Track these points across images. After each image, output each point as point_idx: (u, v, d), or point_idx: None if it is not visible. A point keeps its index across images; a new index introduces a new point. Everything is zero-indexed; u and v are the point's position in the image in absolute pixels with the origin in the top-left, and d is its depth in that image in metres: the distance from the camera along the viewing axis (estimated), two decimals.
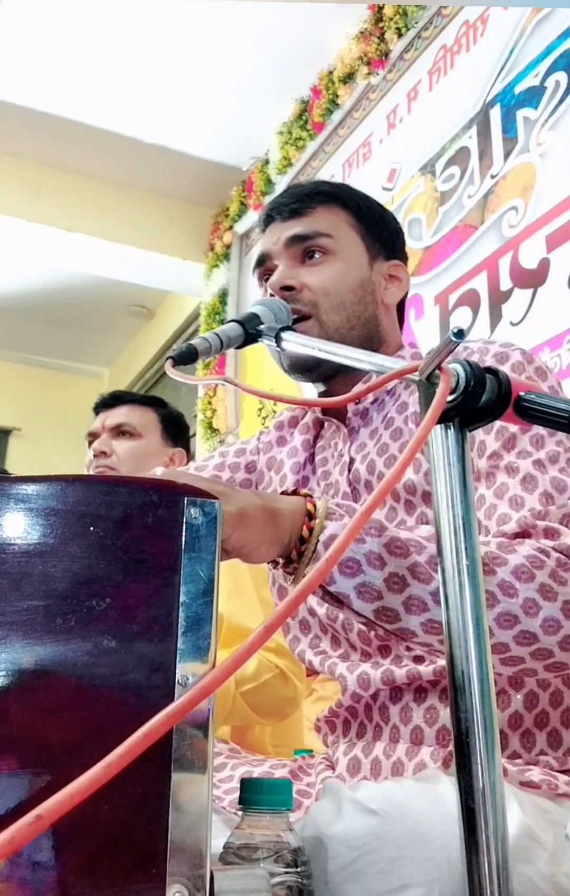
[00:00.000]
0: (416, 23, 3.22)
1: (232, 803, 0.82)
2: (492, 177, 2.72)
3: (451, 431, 0.66)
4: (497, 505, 0.90)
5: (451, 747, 0.78)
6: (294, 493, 0.82)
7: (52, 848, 0.52)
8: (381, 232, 1.16)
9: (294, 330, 1.01)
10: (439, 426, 0.66)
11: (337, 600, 0.78)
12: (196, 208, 4.72)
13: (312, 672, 1.50)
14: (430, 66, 3.17)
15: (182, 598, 0.57)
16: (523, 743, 0.91)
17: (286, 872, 0.62)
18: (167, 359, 0.97)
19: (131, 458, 1.94)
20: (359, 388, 1.08)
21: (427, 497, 0.97)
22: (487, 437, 0.95)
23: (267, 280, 1.13)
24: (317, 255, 1.11)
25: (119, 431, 1.98)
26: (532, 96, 2.61)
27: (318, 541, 0.77)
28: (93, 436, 2.01)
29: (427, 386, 0.67)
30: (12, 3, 3.41)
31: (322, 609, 1.05)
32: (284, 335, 0.98)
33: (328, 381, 1.13)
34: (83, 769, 0.39)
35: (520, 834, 0.75)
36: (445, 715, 0.91)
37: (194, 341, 0.98)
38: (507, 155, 2.67)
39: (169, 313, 5.46)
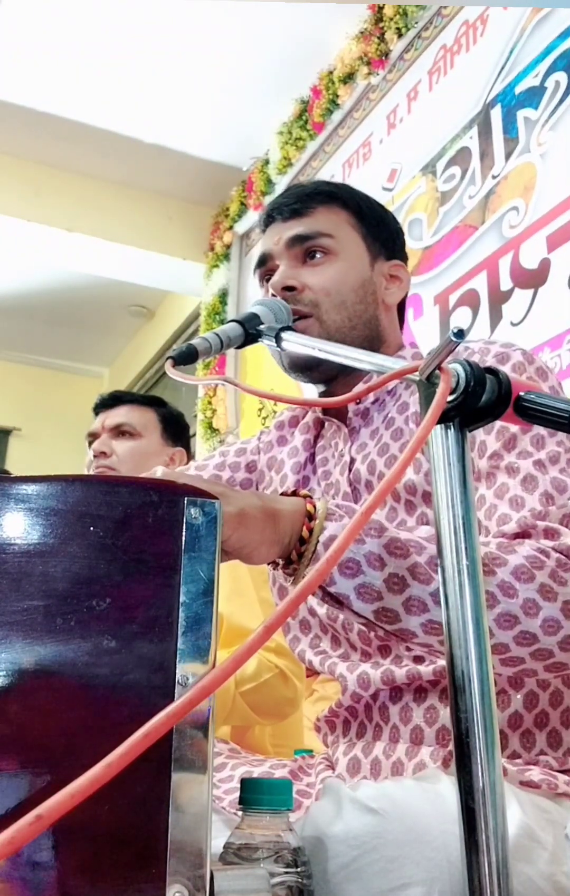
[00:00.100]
0: (416, 23, 3.23)
1: (232, 803, 0.82)
2: (493, 177, 2.72)
3: (451, 431, 0.66)
4: (498, 505, 0.90)
5: (451, 747, 0.78)
6: (294, 493, 0.82)
7: (52, 848, 0.52)
8: (381, 232, 1.16)
9: (294, 330, 1.02)
10: (439, 426, 0.66)
11: (337, 601, 0.78)
12: (196, 208, 4.73)
13: (312, 672, 1.50)
14: (430, 66, 3.17)
15: (182, 598, 0.58)
16: (523, 743, 0.91)
17: (286, 872, 0.62)
18: (167, 359, 0.97)
19: (131, 458, 1.94)
20: (359, 387, 1.08)
21: (427, 497, 0.97)
22: (487, 438, 0.95)
23: (268, 280, 1.13)
24: (318, 256, 1.11)
25: (119, 431, 1.98)
26: (533, 96, 2.61)
27: (318, 541, 0.77)
28: (93, 436, 2.01)
29: (427, 386, 0.67)
30: (12, 3, 3.41)
31: (322, 609, 1.05)
32: (284, 335, 0.98)
33: (329, 381, 1.13)
34: (83, 769, 0.39)
35: (520, 833, 0.75)
36: (445, 715, 0.91)
37: (194, 341, 0.98)
38: (508, 155, 2.67)
39: (169, 313, 5.46)
